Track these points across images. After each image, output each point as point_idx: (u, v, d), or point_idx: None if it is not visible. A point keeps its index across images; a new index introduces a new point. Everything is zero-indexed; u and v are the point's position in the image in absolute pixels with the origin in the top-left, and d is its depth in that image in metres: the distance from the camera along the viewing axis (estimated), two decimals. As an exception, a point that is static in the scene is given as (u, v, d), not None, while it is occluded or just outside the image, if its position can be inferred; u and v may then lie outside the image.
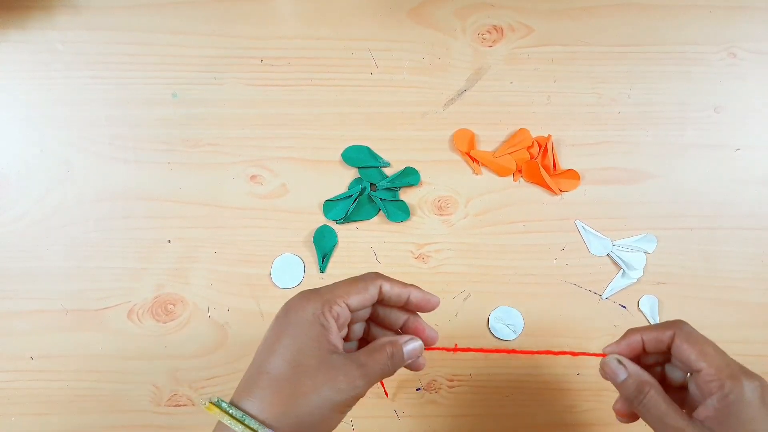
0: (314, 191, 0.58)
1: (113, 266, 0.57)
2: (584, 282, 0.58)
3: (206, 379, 0.56)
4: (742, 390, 0.37)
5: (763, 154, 0.59)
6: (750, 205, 0.59)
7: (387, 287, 0.41)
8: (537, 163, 0.58)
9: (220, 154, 0.58)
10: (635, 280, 0.57)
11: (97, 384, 0.56)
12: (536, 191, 0.59)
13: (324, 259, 0.57)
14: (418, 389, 0.56)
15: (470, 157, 0.59)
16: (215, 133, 0.58)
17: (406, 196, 0.58)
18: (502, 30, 0.60)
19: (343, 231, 0.58)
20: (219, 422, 0.37)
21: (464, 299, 0.57)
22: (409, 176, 0.58)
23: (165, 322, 0.56)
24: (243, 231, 0.57)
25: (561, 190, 0.59)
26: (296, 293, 0.42)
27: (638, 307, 0.57)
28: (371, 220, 0.58)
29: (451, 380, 0.57)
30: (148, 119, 0.58)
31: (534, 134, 0.59)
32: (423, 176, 0.58)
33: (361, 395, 0.38)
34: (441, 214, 0.58)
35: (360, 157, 0.58)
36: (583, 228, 0.58)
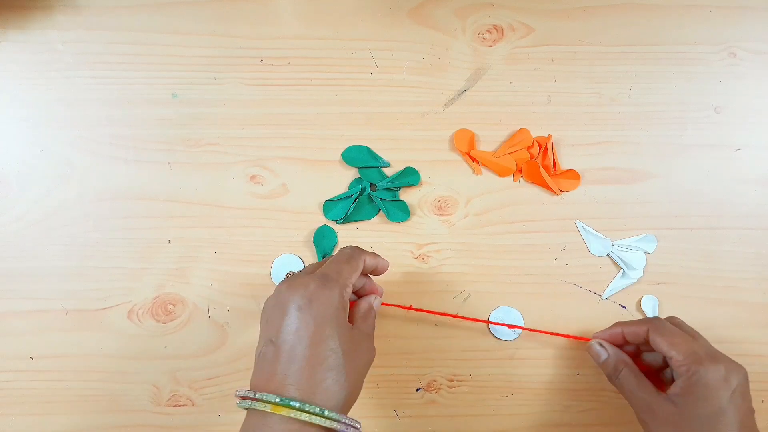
0: (314, 191, 0.58)
1: (113, 266, 0.57)
2: (584, 282, 0.58)
3: (206, 379, 0.56)
4: (705, 372, 0.45)
5: (763, 154, 0.59)
6: (750, 205, 0.59)
7: (369, 260, 0.48)
8: (537, 163, 0.58)
9: (221, 154, 0.58)
10: (635, 281, 0.57)
11: (97, 384, 0.56)
12: (536, 191, 0.59)
13: (324, 259, 0.57)
14: (418, 389, 0.56)
15: (470, 157, 0.59)
16: (215, 133, 0.58)
17: (406, 196, 0.58)
18: (502, 30, 0.60)
19: (343, 231, 0.58)
20: (246, 421, 0.40)
21: (464, 299, 0.57)
22: (409, 176, 0.58)
23: (165, 322, 0.56)
24: (243, 231, 0.57)
25: (561, 190, 0.59)
26: (302, 274, 0.46)
27: (638, 308, 0.57)
28: (371, 220, 0.58)
29: (451, 380, 0.57)
30: (148, 119, 0.58)
31: (534, 134, 0.59)
32: (423, 176, 0.58)
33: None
34: (441, 214, 0.58)
35: (360, 157, 0.58)
36: (583, 228, 0.58)
